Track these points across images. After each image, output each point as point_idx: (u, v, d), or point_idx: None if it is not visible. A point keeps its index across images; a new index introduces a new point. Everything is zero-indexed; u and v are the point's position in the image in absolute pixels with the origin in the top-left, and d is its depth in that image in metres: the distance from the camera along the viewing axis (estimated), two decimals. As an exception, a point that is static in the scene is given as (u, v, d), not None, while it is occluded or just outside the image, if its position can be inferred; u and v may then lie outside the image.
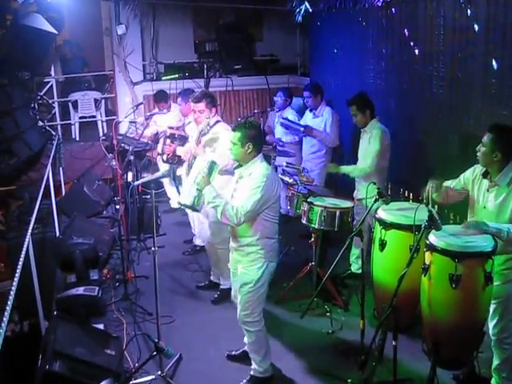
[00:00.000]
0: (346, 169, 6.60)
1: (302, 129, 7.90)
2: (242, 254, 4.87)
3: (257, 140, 4.77)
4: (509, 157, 4.36)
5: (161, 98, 8.96)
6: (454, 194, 4.86)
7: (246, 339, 5.28)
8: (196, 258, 7.59)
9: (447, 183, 4.88)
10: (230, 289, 5.50)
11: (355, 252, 6.71)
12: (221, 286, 6.58)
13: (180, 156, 6.40)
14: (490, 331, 4.57)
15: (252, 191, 4.61)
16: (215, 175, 4.92)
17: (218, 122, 6.24)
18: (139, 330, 5.80)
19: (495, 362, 4.63)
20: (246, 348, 5.33)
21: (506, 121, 5.17)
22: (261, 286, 4.83)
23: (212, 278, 6.87)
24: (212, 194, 4.69)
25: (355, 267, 6.71)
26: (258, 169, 4.74)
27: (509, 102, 5.33)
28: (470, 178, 4.68)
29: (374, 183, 5.26)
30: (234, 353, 5.48)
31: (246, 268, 4.83)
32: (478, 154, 4.47)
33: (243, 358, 5.35)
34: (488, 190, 4.47)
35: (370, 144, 6.34)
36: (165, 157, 6.41)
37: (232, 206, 4.60)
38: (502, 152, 4.33)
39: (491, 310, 4.52)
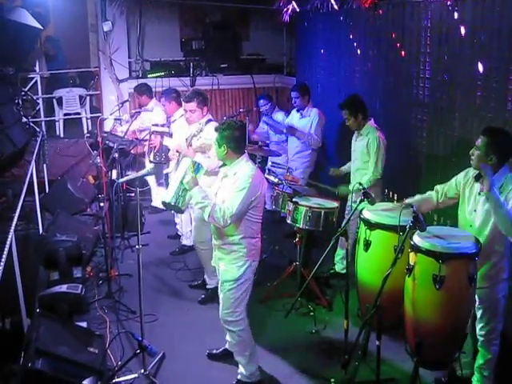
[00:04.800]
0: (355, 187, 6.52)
1: (284, 130, 7.92)
2: (224, 252, 4.87)
3: (232, 141, 4.72)
4: (503, 160, 4.35)
5: (143, 92, 8.92)
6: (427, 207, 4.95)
7: (227, 337, 5.28)
8: (181, 257, 7.56)
9: (437, 187, 4.90)
10: (216, 288, 5.45)
11: (340, 253, 6.73)
12: (207, 286, 6.57)
13: (168, 150, 6.33)
14: (478, 332, 4.60)
15: (237, 193, 4.60)
16: (201, 175, 4.90)
17: (209, 120, 6.18)
18: (122, 328, 5.77)
19: (479, 361, 4.66)
20: (227, 346, 5.34)
21: (490, 123, 5.21)
22: (242, 283, 4.82)
23: (208, 286, 6.69)
24: (201, 194, 4.67)
25: (339, 267, 6.72)
26: (242, 169, 4.73)
27: (494, 105, 5.36)
28: (462, 182, 4.67)
29: (360, 183, 5.25)
30: (214, 351, 5.48)
31: (228, 265, 4.84)
32: (471, 157, 4.45)
33: (224, 357, 5.37)
34: (479, 194, 4.47)
35: (371, 152, 6.34)
36: (152, 155, 6.36)
37: (219, 208, 4.58)
38: (497, 155, 4.32)
39: (479, 313, 4.56)
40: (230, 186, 4.72)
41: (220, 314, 4.97)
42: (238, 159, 4.78)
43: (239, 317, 4.89)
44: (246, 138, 5.07)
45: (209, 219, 4.66)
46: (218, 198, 4.78)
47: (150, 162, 6.55)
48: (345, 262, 6.63)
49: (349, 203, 6.62)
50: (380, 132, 6.39)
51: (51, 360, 4.42)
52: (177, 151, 6.10)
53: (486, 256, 4.41)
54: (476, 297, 4.51)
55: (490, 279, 4.47)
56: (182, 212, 5.43)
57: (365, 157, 6.44)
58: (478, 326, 4.59)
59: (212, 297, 6.30)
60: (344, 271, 6.45)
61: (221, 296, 4.95)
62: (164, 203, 5.11)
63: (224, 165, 4.91)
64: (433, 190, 4.96)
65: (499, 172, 4.34)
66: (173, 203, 4.98)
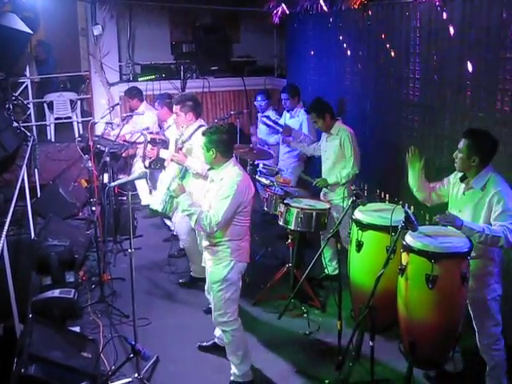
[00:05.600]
0: (333, 180, 6.59)
1: (280, 129, 7.92)
2: (210, 253, 4.91)
3: (220, 145, 4.73)
4: (486, 161, 4.39)
5: (134, 95, 8.94)
6: (434, 190, 4.93)
7: (216, 332, 5.41)
8: (173, 260, 7.53)
9: (432, 184, 4.93)
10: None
11: (327, 254, 6.70)
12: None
13: (164, 159, 6.35)
14: (477, 338, 4.58)
15: (222, 201, 4.61)
16: (188, 181, 4.91)
17: (200, 126, 6.14)
18: (116, 333, 5.75)
19: (487, 368, 4.64)
20: (216, 340, 5.47)
21: (481, 122, 5.23)
22: (230, 285, 4.83)
23: (192, 273, 6.91)
24: (187, 201, 4.69)
25: (330, 269, 6.71)
26: (229, 174, 4.73)
27: (484, 104, 5.38)
28: (452, 182, 4.74)
29: (352, 185, 5.27)
30: (204, 344, 5.56)
31: (214, 266, 4.87)
32: (455, 160, 4.50)
33: (214, 350, 5.46)
34: (464, 194, 4.53)
35: (345, 148, 6.41)
36: (147, 162, 6.36)
37: (206, 215, 4.60)
38: (480, 156, 4.36)
39: (472, 315, 4.55)
40: (215, 192, 4.73)
41: (213, 316, 5.01)
42: (226, 164, 4.78)
43: (231, 317, 4.91)
44: (234, 141, 5.06)
45: (195, 226, 4.72)
46: (206, 203, 4.81)
47: (146, 168, 6.57)
48: (334, 263, 6.64)
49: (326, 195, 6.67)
50: (350, 130, 6.48)
51: (44, 365, 4.40)
52: (171, 160, 6.11)
53: (473, 257, 4.42)
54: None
55: (478, 280, 4.46)
56: (169, 218, 5.46)
57: (337, 156, 6.49)
58: (476, 332, 4.58)
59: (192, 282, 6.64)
60: (335, 272, 6.46)
61: (211, 298, 4.99)
62: (151, 210, 5.12)
63: (212, 168, 4.91)
64: None
65: (482, 172, 4.40)
66: (160, 210, 5.00)
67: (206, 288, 5.29)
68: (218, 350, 5.42)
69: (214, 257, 4.87)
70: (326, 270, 6.72)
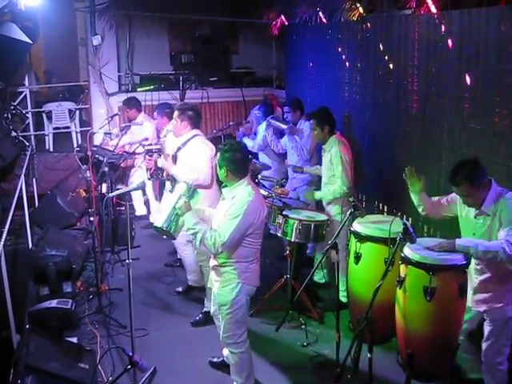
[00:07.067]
0: (319, 195, 6.62)
1: (285, 126, 7.90)
2: (217, 273, 4.81)
3: (232, 164, 4.61)
4: (487, 183, 4.32)
5: (133, 106, 8.99)
6: (439, 206, 4.88)
7: (224, 351, 5.29)
8: (171, 270, 7.53)
9: (435, 198, 4.90)
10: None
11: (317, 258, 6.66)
12: (204, 309, 6.35)
13: (163, 171, 6.36)
14: (483, 353, 4.48)
15: (230, 221, 4.48)
16: (197, 200, 4.87)
17: (195, 136, 6.17)
18: (113, 344, 5.74)
19: None
20: (225, 358, 5.34)
21: (479, 135, 5.24)
22: (238, 308, 4.73)
23: (189, 282, 6.86)
24: (193, 220, 4.60)
25: (318, 276, 6.66)
26: (240, 193, 4.60)
27: (482, 117, 5.39)
28: (458, 202, 4.64)
29: (350, 196, 5.27)
30: (215, 360, 5.46)
31: (221, 288, 4.76)
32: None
33: (223, 368, 5.35)
34: (475, 217, 4.43)
35: (334, 166, 6.33)
36: (148, 174, 6.38)
37: (211, 235, 4.48)
38: (483, 184, 4.29)
39: (486, 331, 4.45)
40: (225, 210, 4.61)
41: (220, 338, 4.93)
42: (238, 182, 4.65)
43: (240, 339, 4.83)
44: (248, 160, 4.97)
45: (200, 246, 4.60)
46: (215, 221, 4.74)
47: (149, 179, 6.60)
48: (324, 271, 6.60)
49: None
50: (343, 146, 6.39)
51: (41, 376, 4.38)
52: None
53: (494, 275, 4.36)
54: (485, 315, 4.45)
55: (498, 298, 4.37)
56: (174, 238, 5.36)
57: (329, 172, 6.43)
58: (484, 346, 4.48)
59: (206, 320, 6.14)
60: (321, 280, 6.46)
61: (220, 320, 4.89)
62: (155, 228, 5.05)
63: (225, 186, 4.82)
64: None
65: (488, 198, 4.31)
66: (164, 228, 4.91)
67: (212, 311, 5.20)
68: (226, 367, 5.27)
69: (221, 278, 4.75)
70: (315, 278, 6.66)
